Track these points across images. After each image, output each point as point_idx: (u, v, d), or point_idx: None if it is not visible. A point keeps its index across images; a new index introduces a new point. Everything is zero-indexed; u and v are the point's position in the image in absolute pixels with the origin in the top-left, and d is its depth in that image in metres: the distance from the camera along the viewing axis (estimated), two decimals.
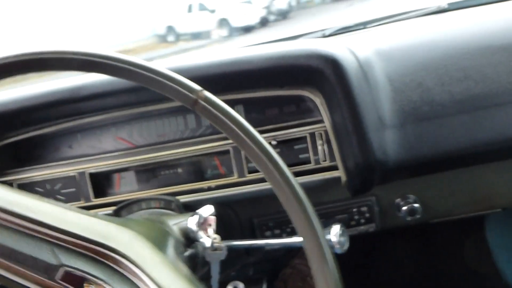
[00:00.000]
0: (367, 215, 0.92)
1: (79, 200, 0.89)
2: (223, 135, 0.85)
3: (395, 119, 0.77)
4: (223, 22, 12.71)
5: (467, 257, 1.19)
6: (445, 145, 0.78)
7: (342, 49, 0.75)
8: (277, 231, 0.95)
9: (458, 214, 1.00)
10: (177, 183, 0.88)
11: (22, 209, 0.46)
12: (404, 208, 0.88)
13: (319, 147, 0.83)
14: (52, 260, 0.45)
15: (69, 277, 0.45)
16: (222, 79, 0.73)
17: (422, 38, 0.88)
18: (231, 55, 0.78)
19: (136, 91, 0.78)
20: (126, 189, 0.90)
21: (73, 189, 0.89)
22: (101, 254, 0.46)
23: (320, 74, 0.72)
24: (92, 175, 0.88)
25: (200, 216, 0.66)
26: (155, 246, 0.52)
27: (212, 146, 0.85)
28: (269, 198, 0.90)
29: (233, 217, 0.93)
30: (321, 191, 0.91)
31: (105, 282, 0.45)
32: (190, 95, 0.45)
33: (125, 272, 0.46)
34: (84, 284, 0.46)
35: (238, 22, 12.64)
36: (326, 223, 0.93)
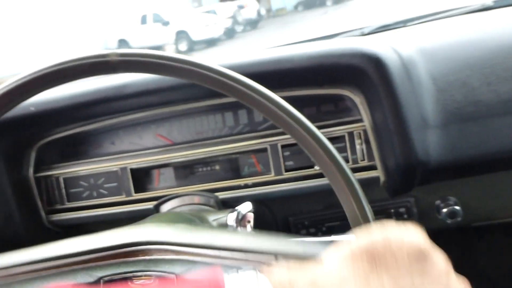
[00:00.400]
0: (405, 216, 0.90)
1: (121, 195, 0.92)
2: (261, 133, 0.87)
3: (438, 119, 0.75)
4: (181, 35, 11.53)
5: (510, 262, 1.15)
6: (489, 147, 0.76)
7: (385, 47, 0.74)
8: (312, 230, 0.95)
9: (501, 217, 0.96)
10: (214, 180, 0.90)
11: (53, 251, 0.50)
12: (444, 210, 0.86)
13: (358, 147, 0.83)
14: (90, 279, 0.47)
15: (111, 283, 0.47)
16: (261, 78, 0.73)
17: (467, 36, 0.86)
18: (271, 54, 0.79)
19: (177, 89, 0.80)
20: (165, 184, 0.93)
21: (115, 184, 0.92)
22: (131, 254, 0.48)
23: (362, 73, 0.72)
24: (133, 171, 0.91)
25: (239, 213, 0.67)
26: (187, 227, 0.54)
27: (250, 144, 0.86)
28: (305, 196, 0.91)
29: (268, 215, 0.94)
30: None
31: (145, 272, 0.47)
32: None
33: (160, 255, 0.47)
34: (129, 282, 0.47)
35: (198, 34, 11.43)
36: None
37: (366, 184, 0.84)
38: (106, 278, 0.47)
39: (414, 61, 0.76)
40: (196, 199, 0.79)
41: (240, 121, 0.90)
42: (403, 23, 1.07)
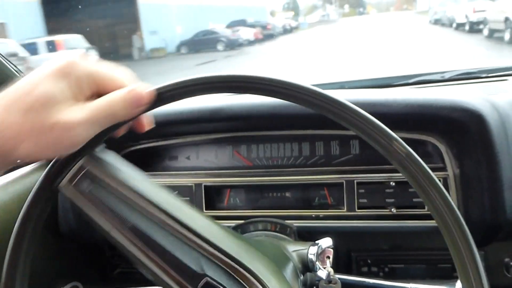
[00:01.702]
0: None
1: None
2: (337, 168, 0.88)
3: None
4: None
5: None
6: None
7: (484, 102, 0.74)
8: (374, 269, 0.94)
9: None
10: (284, 206, 0.91)
11: (178, 213, 0.51)
12: None
13: None
14: (198, 269, 0.48)
15: (208, 287, 0.48)
16: None
17: None
18: (366, 95, 0.80)
19: (267, 117, 0.82)
20: (234, 205, 0.95)
21: (188, 198, 0.95)
22: (236, 271, 0.49)
23: (459, 126, 0.72)
24: (206, 188, 0.94)
25: (320, 247, 0.68)
26: (278, 267, 0.55)
27: (326, 178, 0.88)
28: (374, 234, 0.91)
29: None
30: (430, 237, 0.89)
31: None
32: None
33: None
34: None
35: None
36: (427, 270, 0.92)
37: (440, 232, 0.84)
38: (209, 280, 0.48)
39: (510, 118, 0.76)
40: (273, 226, 0.81)
41: (316, 152, 0.92)
42: (486, 73, 1.07)
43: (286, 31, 31.48)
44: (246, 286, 0.49)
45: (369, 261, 0.94)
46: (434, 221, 0.84)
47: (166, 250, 0.49)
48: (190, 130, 0.90)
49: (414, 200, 0.84)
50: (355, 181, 0.86)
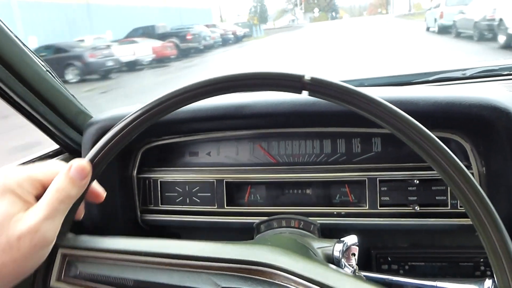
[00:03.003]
0: None
1: (213, 205, 0.95)
2: (359, 165, 0.88)
3: None
4: None
5: None
6: None
7: None
8: (394, 267, 0.94)
9: None
10: (304, 204, 0.92)
11: (179, 250, 0.53)
12: None
13: None
14: (213, 285, 0.50)
15: None
16: None
17: None
18: (392, 93, 0.80)
19: (291, 115, 0.82)
20: (255, 201, 0.95)
21: (209, 194, 0.96)
22: (254, 272, 0.50)
23: (487, 124, 0.72)
24: (227, 184, 0.94)
25: (345, 244, 0.68)
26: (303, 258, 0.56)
27: (347, 175, 0.88)
28: (394, 232, 0.91)
29: None
30: (452, 235, 0.89)
31: None
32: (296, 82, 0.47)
33: (282, 282, 0.49)
34: None
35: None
36: (448, 268, 0.92)
37: (461, 230, 0.84)
38: None
39: None
40: (297, 223, 0.81)
41: (338, 150, 0.92)
42: (508, 70, 1.06)
43: (227, 41, 23.99)
44: (272, 280, 0.49)
45: (389, 259, 0.94)
46: (457, 219, 0.84)
47: (178, 286, 0.51)
48: (213, 126, 0.91)
49: (437, 198, 0.84)
50: (377, 179, 0.86)
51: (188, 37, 19.02)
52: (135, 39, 16.38)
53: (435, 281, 0.70)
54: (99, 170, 0.52)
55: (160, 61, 15.38)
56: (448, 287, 0.68)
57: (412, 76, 1.14)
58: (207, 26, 22.68)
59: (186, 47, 18.49)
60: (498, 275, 0.42)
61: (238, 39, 26.36)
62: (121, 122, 0.52)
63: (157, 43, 16.41)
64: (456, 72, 1.09)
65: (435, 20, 15.11)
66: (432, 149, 0.45)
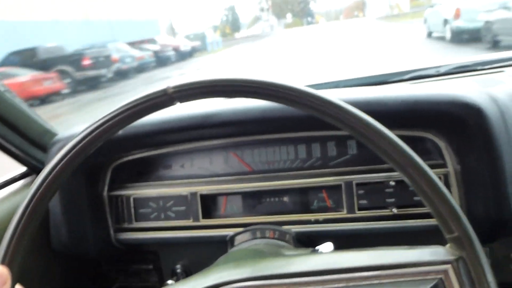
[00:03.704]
0: None
1: (189, 219, 0.92)
2: (335, 169, 0.86)
3: None
4: None
5: None
6: None
7: (483, 95, 0.72)
8: None
9: None
10: (282, 212, 0.89)
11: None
12: None
13: None
14: None
15: None
16: None
17: None
18: (360, 94, 0.78)
19: (261, 121, 0.80)
20: (232, 212, 0.93)
21: (183, 208, 0.93)
22: None
23: (457, 121, 0.70)
24: (202, 196, 0.92)
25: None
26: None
27: (323, 181, 0.85)
28: (375, 235, 0.89)
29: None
30: (432, 235, 0.87)
31: None
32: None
33: None
34: None
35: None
36: None
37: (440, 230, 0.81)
38: None
39: (510, 110, 0.74)
40: (272, 233, 0.79)
41: (313, 154, 0.90)
42: (482, 65, 1.05)
43: (166, 60, 18.49)
44: None
45: None
46: (435, 219, 0.82)
47: None
48: (181, 138, 0.88)
49: (415, 198, 0.82)
50: (353, 182, 0.84)
51: (85, 62, 12.90)
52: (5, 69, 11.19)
53: None
54: (17, 266, 0.47)
55: (43, 100, 10.63)
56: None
57: (387, 76, 1.13)
58: (142, 42, 18.55)
59: (83, 76, 12.82)
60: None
61: (184, 56, 20.86)
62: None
63: (32, 75, 10.81)
64: (430, 69, 1.08)
65: (445, 21, 9.87)
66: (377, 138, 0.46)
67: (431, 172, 0.45)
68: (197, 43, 24.80)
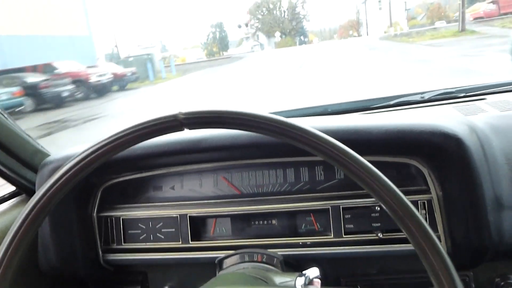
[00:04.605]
0: None
1: (177, 241, 0.93)
2: (322, 194, 0.88)
3: None
4: None
5: None
6: None
7: (463, 126, 0.75)
8: None
9: None
10: (270, 234, 0.90)
11: None
12: None
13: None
14: None
15: None
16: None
17: None
18: (347, 122, 0.80)
19: (250, 146, 0.82)
20: (221, 234, 0.94)
21: (173, 229, 0.93)
22: None
23: (439, 150, 0.73)
24: (191, 218, 0.92)
25: (307, 278, 0.66)
26: None
27: (311, 205, 0.87)
28: (362, 259, 0.91)
29: (320, 274, 0.93)
30: (418, 259, 0.89)
31: None
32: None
33: None
34: None
35: None
36: None
37: None
38: None
39: (489, 140, 0.77)
40: (259, 257, 0.80)
41: (301, 179, 0.92)
42: (465, 92, 1.08)
43: (63, 97, 12.03)
44: None
45: (358, 286, 0.93)
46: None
47: None
48: (173, 161, 0.90)
49: None
50: (340, 207, 0.85)
51: None
52: None
53: None
54: None
55: None
56: None
57: (373, 101, 1.16)
58: (35, 66, 13.11)
59: None
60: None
61: (105, 89, 14.55)
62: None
63: None
64: (415, 96, 1.12)
65: None
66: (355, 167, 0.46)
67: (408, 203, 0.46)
68: (128, 70, 17.28)
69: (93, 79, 14.08)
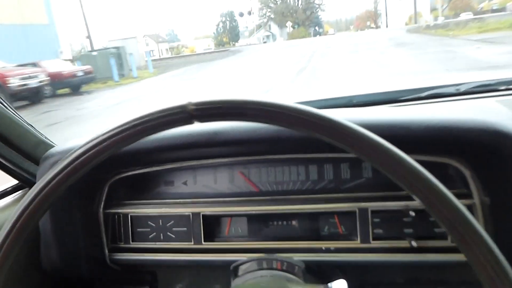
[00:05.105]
0: None
1: (189, 241, 0.86)
2: (349, 194, 0.80)
3: None
4: None
5: None
6: None
7: None
8: None
9: None
10: (290, 238, 0.83)
11: None
12: None
13: None
14: None
15: None
16: None
17: None
18: (382, 115, 0.72)
19: (268, 141, 0.74)
20: (236, 234, 0.86)
21: (185, 229, 0.86)
22: None
23: (490, 150, 0.64)
24: (204, 217, 0.85)
25: None
26: None
27: (336, 207, 0.79)
28: (390, 267, 0.82)
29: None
30: (455, 270, 0.81)
31: None
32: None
33: None
34: None
35: None
36: None
37: (464, 266, 0.75)
38: None
39: None
40: (278, 264, 0.72)
41: (325, 176, 0.84)
42: (506, 84, 0.98)
43: None
44: None
45: None
46: (458, 254, 0.75)
47: None
48: (186, 156, 0.82)
49: (436, 230, 0.75)
50: (369, 209, 0.77)
51: None
52: None
53: None
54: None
55: None
56: None
57: (404, 93, 1.07)
58: None
59: None
60: None
61: (36, 96, 11.48)
62: None
63: None
64: (450, 88, 1.02)
65: None
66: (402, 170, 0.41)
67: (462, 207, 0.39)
68: (82, 69, 14.16)
69: (13, 83, 10.54)
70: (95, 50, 18.32)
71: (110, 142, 0.45)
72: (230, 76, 13.47)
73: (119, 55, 17.12)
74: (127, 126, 0.44)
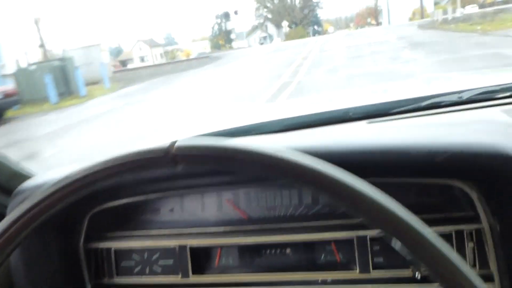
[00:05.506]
0: None
1: (177, 274, 0.80)
2: (345, 221, 0.74)
3: None
4: None
5: None
6: None
7: None
8: None
9: None
10: (284, 267, 0.77)
11: None
12: None
13: (469, 250, 0.67)
14: None
15: None
16: (363, 166, 0.60)
17: None
18: (378, 139, 0.66)
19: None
20: (226, 265, 0.80)
21: (171, 261, 0.81)
22: None
23: (498, 174, 0.57)
24: (192, 249, 0.80)
25: None
26: None
27: (332, 236, 0.73)
28: None
29: None
30: None
31: None
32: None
33: None
34: None
35: None
36: None
37: None
38: None
39: None
40: None
41: (319, 201, 0.77)
42: (510, 91, 0.91)
43: None
44: None
45: None
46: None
47: None
48: (171, 186, 0.78)
49: None
50: (368, 237, 0.71)
51: None
52: None
53: None
54: None
55: None
56: None
57: (403, 102, 1.00)
58: None
59: None
60: None
61: None
62: None
63: None
64: (452, 96, 0.95)
65: None
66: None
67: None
68: (5, 90, 10.76)
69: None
70: (33, 64, 14.68)
71: (85, 181, 0.43)
72: (190, 96, 10.42)
73: (63, 68, 13.56)
74: (104, 165, 0.42)
